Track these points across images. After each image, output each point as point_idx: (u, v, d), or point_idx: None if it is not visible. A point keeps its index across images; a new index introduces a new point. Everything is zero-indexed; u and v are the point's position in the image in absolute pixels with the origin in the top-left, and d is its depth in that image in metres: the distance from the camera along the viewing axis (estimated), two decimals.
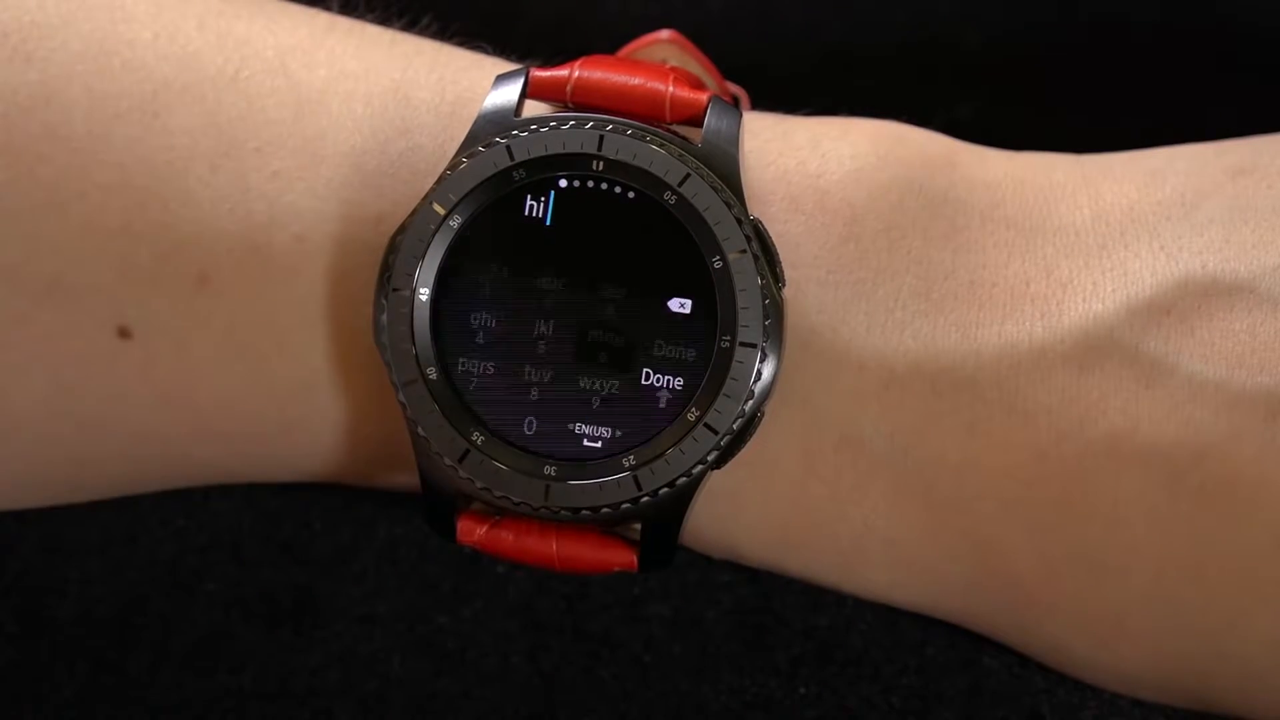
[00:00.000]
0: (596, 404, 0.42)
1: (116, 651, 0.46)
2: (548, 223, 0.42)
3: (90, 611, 0.47)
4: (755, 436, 0.42)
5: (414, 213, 0.42)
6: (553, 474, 0.42)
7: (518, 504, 0.42)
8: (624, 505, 0.42)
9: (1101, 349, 0.43)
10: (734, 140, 0.42)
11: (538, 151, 0.42)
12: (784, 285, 0.42)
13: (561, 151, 0.42)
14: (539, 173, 0.42)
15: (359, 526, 0.47)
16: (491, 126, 0.42)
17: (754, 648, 0.46)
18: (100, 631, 0.47)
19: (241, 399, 0.44)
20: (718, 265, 0.41)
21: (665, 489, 0.41)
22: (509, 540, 0.43)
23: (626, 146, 0.41)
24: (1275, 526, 0.42)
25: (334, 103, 0.43)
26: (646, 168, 0.41)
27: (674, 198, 0.41)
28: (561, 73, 0.42)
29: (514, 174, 0.42)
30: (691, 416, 0.41)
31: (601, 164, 0.41)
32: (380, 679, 0.46)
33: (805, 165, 0.44)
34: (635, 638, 0.46)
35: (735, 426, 0.41)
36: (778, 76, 0.52)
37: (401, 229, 0.42)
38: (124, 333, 0.43)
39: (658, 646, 0.46)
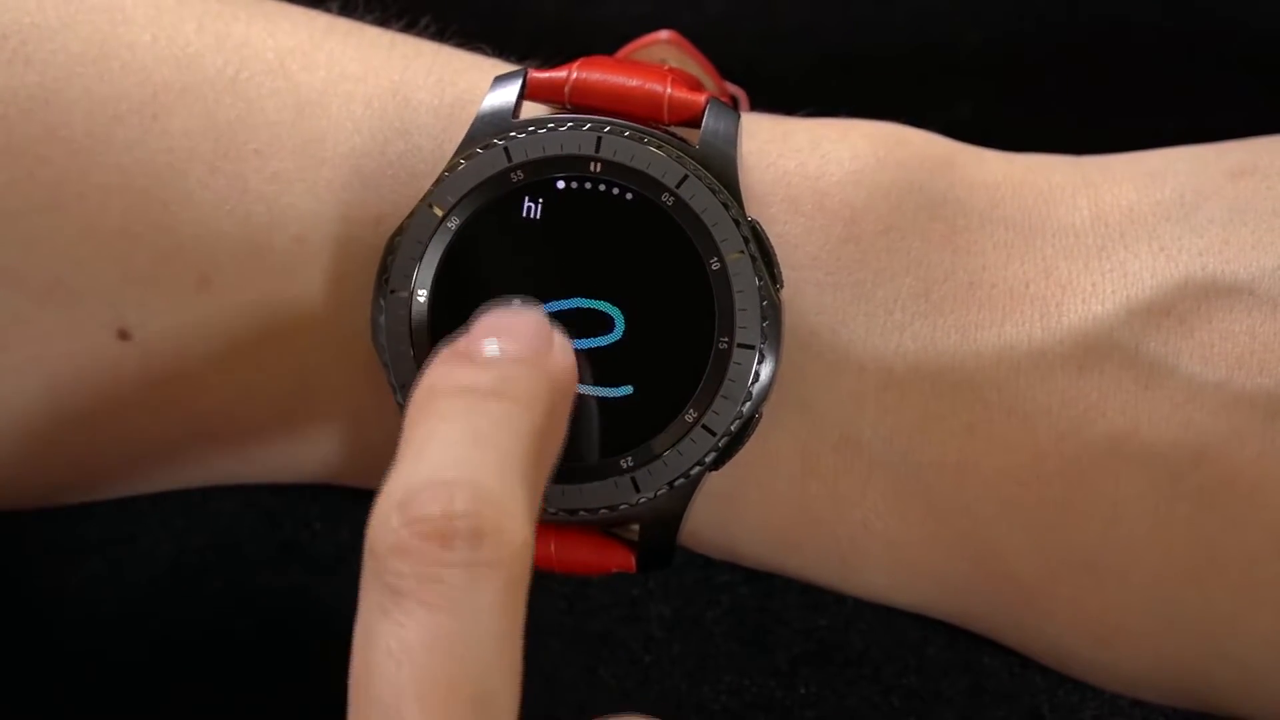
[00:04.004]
0: (594, 405, 0.42)
1: (117, 652, 0.47)
2: (545, 224, 0.42)
3: (90, 611, 0.47)
4: (754, 437, 0.42)
5: (412, 214, 0.42)
6: None
7: None
8: (622, 506, 0.42)
9: (1101, 350, 0.43)
10: (732, 142, 0.42)
11: (535, 153, 0.42)
12: (781, 286, 0.42)
13: (559, 153, 0.42)
14: (537, 174, 0.42)
15: (359, 526, 0.47)
16: (489, 128, 0.42)
17: (754, 648, 0.46)
18: (101, 631, 0.47)
19: (241, 400, 0.44)
20: (715, 266, 0.41)
21: (663, 490, 0.41)
22: None
23: (624, 148, 0.41)
24: (1275, 527, 0.42)
25: (333, 104, 0.43)
26: (644, 169, 0.41)
27: (671, 199, 0.41)
28: (559, 74, 0.42)
29: (512, 175, 0.42)
30: (689, 418, 0.41)
31: (599, 165, 0.41)
32: None
33: (805, 166, 0.44)
34: (635, 638, 0.46)
35: (733, 428, 0.41)
36: (776, 77, 0.52)
37: (400, 230, 0.42)
38: (124, 334, 0.43)
39: (658, 646, 0.46)
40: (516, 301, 0.41)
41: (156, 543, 0.47)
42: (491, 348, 0.38)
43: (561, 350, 0.39)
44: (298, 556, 0.47)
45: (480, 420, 0.37)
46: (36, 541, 0.47)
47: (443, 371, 0.38)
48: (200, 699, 0.46)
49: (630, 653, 0.46)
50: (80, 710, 0.46)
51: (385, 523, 0.36)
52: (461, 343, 0.38)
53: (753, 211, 0.42)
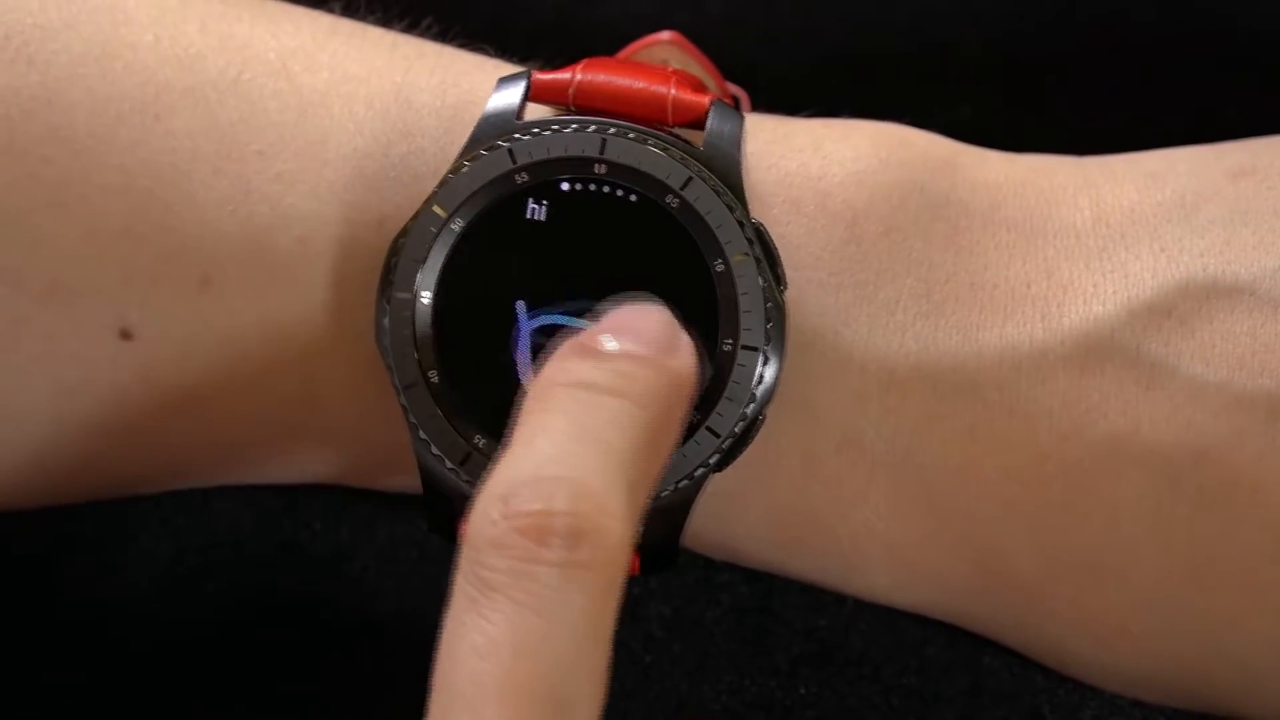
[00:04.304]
0: None
1: (116, 652, 0.47)
2: (549, 226, 0.42)
3: (91, 612, 0.47)
4: (757, 438, 0.42)
5: (416, 216, 0.42)
6: None
7: None
8: None
9: (1102, 351, 0.43)
10: (736, 143, 0.42)
11: (540, 155, 0.42)
12: (785, 288, 0.42)
13: (564, 155, 0.42)
14: (541, 176, 0.42)
15: (359, 526, 0.47)
16: (493, 129, 0.42)
17: (754, 648, 0.46)
18: (100, 632, 0.47)
19: (243, 401, 0.44)
20: (720, 268, 0.41)
21: (667, 492, 0.41)
22: None
23: (628, 150, 0.41)
24: (1275, 528, 0.42)
25: (336, 105, 0.43)
26: (649, 171, 0.41)
27: (676, 201, 0.41)
28: (563, 76, 0.42)
29: (516, 177, 0.42)
30: (693, 420, 0.41)
31: (603, 167, 0.41)
32: (380, 679, 0.46)
33: (807, 167, 0.44)
34: (635, 638, 0.46)
35: (737, 430, 0.41)
36: (778, 77, 0.52)
37: (404, 232, 0.42)
38: (126, 334, 0.43)
39: (658, 646, 0.46)
40: (647, 301, 0.41)
41: (156, 543, 0.47)
42: (612, 343, 0.38)
43: (686, 352, 0.39)
44: (298, 556, 0.47)
45: (591, 417, 0.37)
46: (37, 541, 0.47)
47: (562, 365, 0.38)
48: (200, 699, 0.46)
49: (630, 653, 0.46)
50: (80, 710, 0.46)
51: (486, 515, 0.36)
52: (585, 335, 0.38)
53: (755, 212, 0.42)
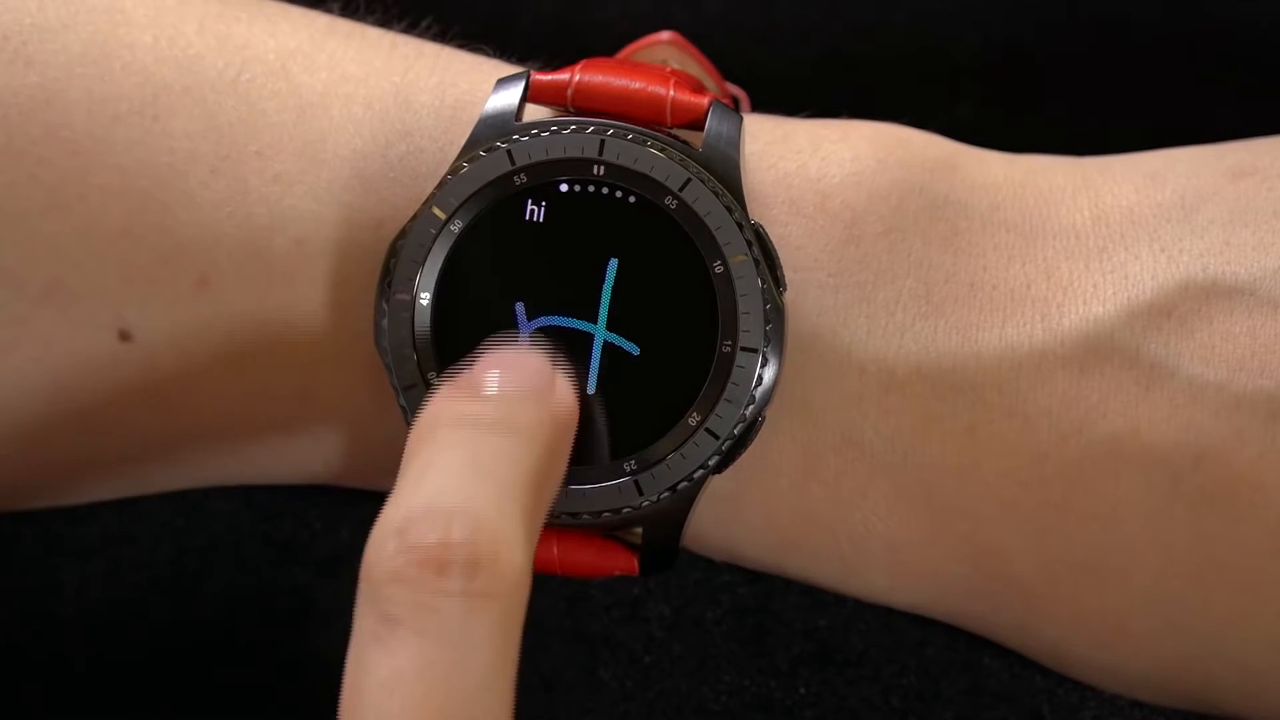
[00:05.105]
0: (597, 408, 0.42)
1: (116, 652, 0.47)
2: (548, 227, 0.42)
3: (90, 612, 0.47)
4: (756, 440, 0.42)
5: (415, 217, 0.42)
6: None
7: None
8: (625, 510, 0.42)
9: (1102, 352, 0.43)
10: (735, 144, 0.42)
11: (538, 156, 0.42)
12: (784, 289, 0.42)
13: (562, 156, 0.41)
14: (540, 177, 0.42)
15: (359, 526, 0.47)
16: (492, 130, 0.42)
17: (754, 648, 0.46)
18: (100, 631, 0.47)
19: (241, 402, 0.44)
20: (719, 270, 0.41)
21: (666, 494, 0.41)
22: None
23: (627, 151, 0.41)
24: (1275, 528, 0.42)
25: (335, 106, 0.43)
26: (647, 172, 0.41)
27: (675, 202, 0.41)
28: (562, 77, 0.42)
29: (515, 178, 0.42)
30: (692, 421, 0.41)
31: (602, 169, 0.41)
32: None
33: (806, 168, 0.44)
34: (635, 638, 0.46)
35: (736, 431, 0.41)
36: (777, 78, 0.52)
37: (402, 233, 0.42)
38: (124, 335, 0.43)
39: (658, 646, 0.46)
40: (521, 338, 0.41)
41: (156, 543, 0.47)
42: (493, 383, 0.38)
43: (563, 389, 0.39)
44: (298, 556, 0.47)
45: (481, 451, 0.37)
46: (36, 541, 0.47)
47: (444, 404, 0.38)
48: (200, 699, 0.46)
49: (630, 653, 0.46)
50: (79, 710, 0.46)
51: (381, 549, 0.36)
52: (463, 376, 0.38)
53: (754, 213, 0.42)
